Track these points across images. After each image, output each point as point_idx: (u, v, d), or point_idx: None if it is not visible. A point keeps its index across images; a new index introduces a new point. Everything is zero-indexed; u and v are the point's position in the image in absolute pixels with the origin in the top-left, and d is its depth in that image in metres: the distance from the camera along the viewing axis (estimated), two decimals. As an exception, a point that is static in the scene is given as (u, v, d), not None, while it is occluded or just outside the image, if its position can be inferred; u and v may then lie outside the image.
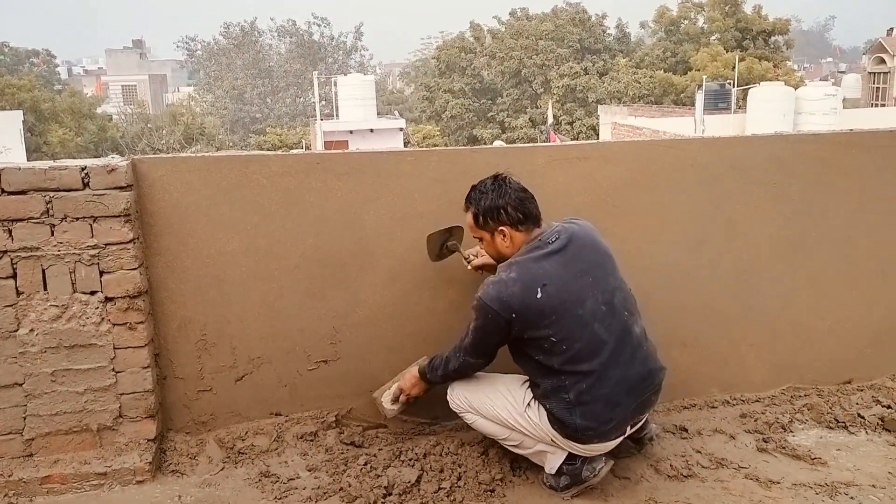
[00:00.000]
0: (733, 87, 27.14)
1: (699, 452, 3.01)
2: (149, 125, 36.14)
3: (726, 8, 37.18)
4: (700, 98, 22.44)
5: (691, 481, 2.82)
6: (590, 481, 2.72)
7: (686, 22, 38.98)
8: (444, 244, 3.03)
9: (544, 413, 2.67)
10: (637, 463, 2.95)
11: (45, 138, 33.49)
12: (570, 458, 2.72)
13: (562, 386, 2.61)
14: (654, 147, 3.31)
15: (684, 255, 3.34)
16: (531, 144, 3.42)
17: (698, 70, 32.98)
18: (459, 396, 2.88)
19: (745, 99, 25.93)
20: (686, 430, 3.18)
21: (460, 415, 2.92)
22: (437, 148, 3.47)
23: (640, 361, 2.67)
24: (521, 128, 35.59)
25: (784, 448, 3.05)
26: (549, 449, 2.74)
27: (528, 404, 2.73)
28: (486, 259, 2.95)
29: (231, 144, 35.84)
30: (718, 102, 26.01)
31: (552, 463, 2.76)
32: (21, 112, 29.49)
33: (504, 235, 2.70)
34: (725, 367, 3.45)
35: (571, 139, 30.53)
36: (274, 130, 36.59)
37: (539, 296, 2.56)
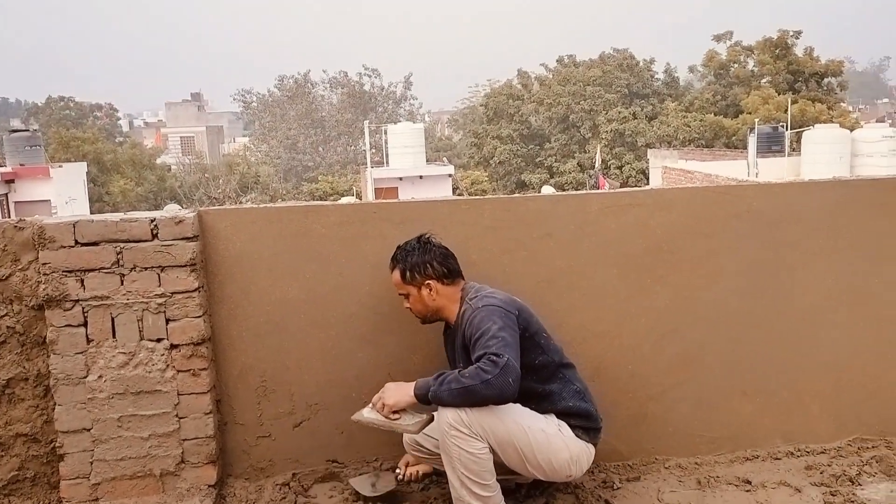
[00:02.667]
0: (786, 129, 26.77)
1: (763, 506, 2.93)
2: (206, 175, 37.20)
3: (777, 51, 36.89)
4: (752, 141, 22.21)
5: (756, 536, 2.74)
6: None
7: (736, 66, 38.75)
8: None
9: (565, 426, 2.77)
10: (699, 516, 2.88)
11: (107, 188, 34.72)
12: None
13: (567, 380, 2.84)
14: (709, 193, 3.30)
15: (742, 302, 3.29)
16: (583, 192, 3.44)
17: (750, 113, 32.64)
18: (465, 415, 2.60)
19: (798, 142, 25.53)
20: (750, 483, 3.09)
21: (456, 439, 2.60)
22: (490, 196, 3.53)
23: None
24: (570, 172, 35.58)
25: (853, 502, 2.94)
26: None
27: (559, 423, 2.78)
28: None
29: (284, 192, 36.62)
30: (772, 145, 25.62)
31: None
32: (85, 164, 30.68)
33: (430, 289, 2.87)
34: (789, 418, 3.36)
35: (620, 183, 30.41)
36: (325, 178, 37.30)
37: (521, 302, 2.84)
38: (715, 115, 35.74)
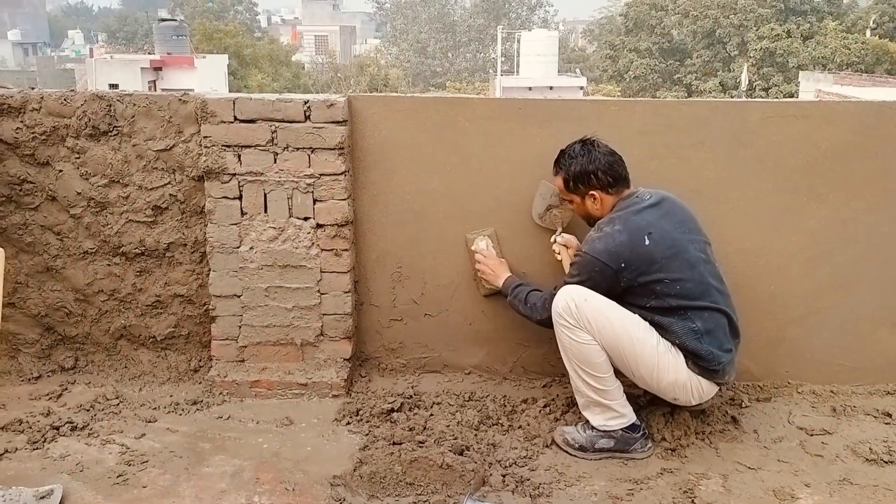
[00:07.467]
0: (963, 56, 24.07)
1: (904, 441, 2.80)
2: (338, 74, 37.84)
3: (961, -33, 32.88)
4: (921, 67, 20.11)
5: (892, 468, 2.64)
6: (633, 455, 2.71)
7: (911, -17, 34.89)
8: (549, 205, 3.07)
9: (680, 353, 2.63)
10: (833, 442, 2.79)
11: (246, 82, 35.91)
12: (632, 427, 2.71)
13: (686, 317, 2.63)
14: (884, 110, 3.04)
15: (906, 229, 3.06)
16: (743, 100, 3.25)
17: (921, 37, 29.52)
18: (575, 307, 2.61)
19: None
20: (890, 416, 2.95)
21: (564, 328, 2.64)
22: (642, 99, 3.42)
23: (736, 310, 2.75)
24: (710, 92, 33.57)
25: None
26: (620, 409, 2.69)
27: (668, 343, 2.64)
28: (570, 243, 3.04)
29: (412, 96, 36.79)
30: (943, 73, 23.16)
31: (611, 423, 2.69)
32: (226, 56, 31.81)
33: (594, 199, 2.76)
34: (941, 356, 3.16)
35: (764, 107, 28.48)
36: (453, 84, 37.08)
37: (647, 243, 2.62)
38: (880, 37, 32.57)
